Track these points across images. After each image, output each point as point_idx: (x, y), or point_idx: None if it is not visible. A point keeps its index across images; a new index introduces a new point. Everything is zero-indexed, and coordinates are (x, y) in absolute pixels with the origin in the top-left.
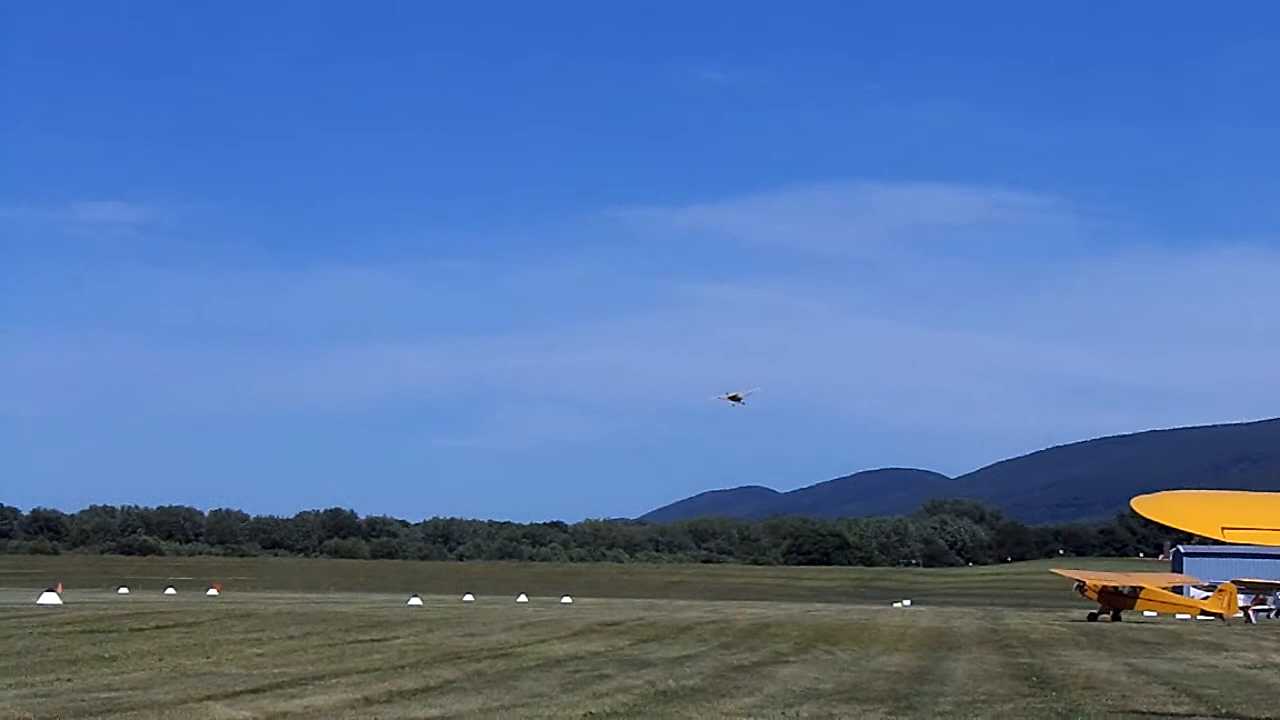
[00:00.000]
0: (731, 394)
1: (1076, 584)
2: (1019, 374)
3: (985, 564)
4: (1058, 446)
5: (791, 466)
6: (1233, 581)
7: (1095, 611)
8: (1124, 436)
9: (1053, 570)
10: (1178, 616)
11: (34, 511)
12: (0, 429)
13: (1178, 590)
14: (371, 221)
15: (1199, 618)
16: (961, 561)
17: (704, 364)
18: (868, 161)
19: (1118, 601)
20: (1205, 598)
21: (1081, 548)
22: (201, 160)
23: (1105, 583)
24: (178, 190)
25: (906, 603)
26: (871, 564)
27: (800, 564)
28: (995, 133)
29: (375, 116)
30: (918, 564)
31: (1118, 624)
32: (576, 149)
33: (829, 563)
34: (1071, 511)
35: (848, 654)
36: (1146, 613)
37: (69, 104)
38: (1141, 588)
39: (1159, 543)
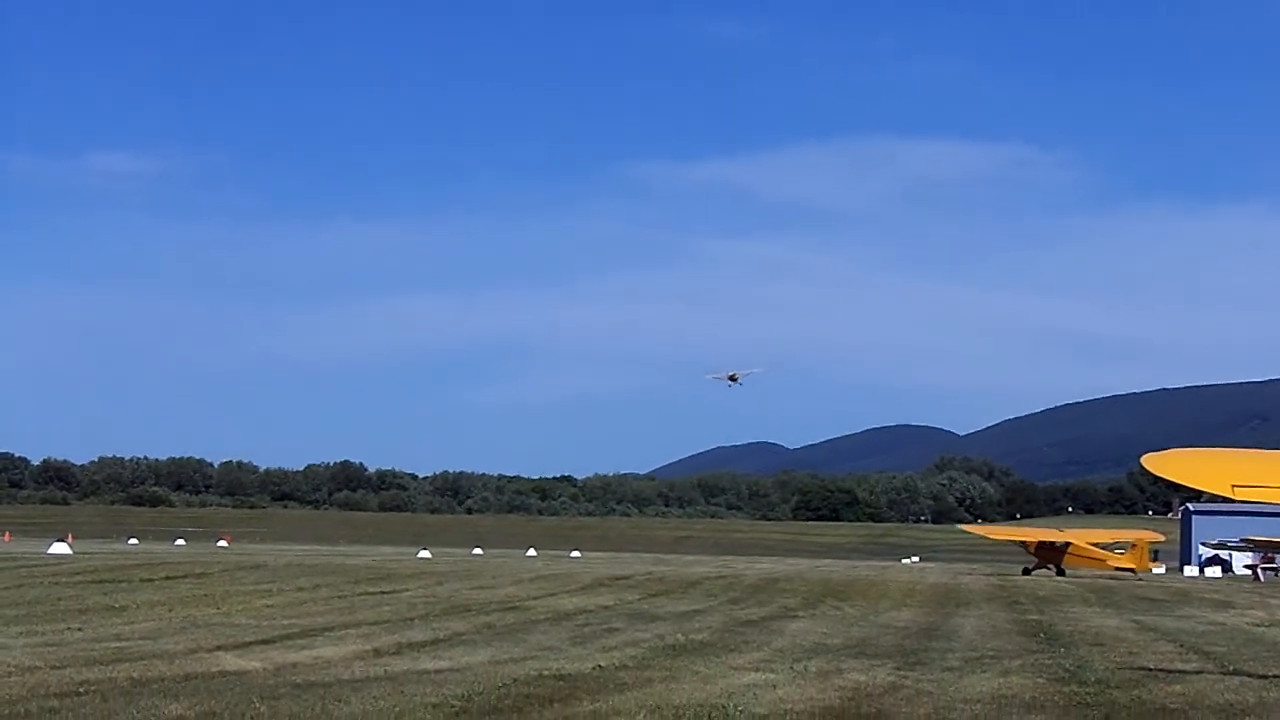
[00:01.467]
0: (730, 374)
1: (1021, 542)
2: (1029, 331)
3: (994, 521)
4: (1068, 404)
5: (801, 422)
6: (1243, 540)
7: (1031, 566)
8: (1134, 394)
9: (961, 528)
10: (1095, 573)
11: (44, 462)
12: (11, 379)
13: (1107, 547)
14: (384, 174)
15: (1114, 573)
16: (970, 519)
17: (715, 319)
18: (881, 117)
19: (1053, 556)
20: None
21: (1090, 505)
22: (213, 111)
23: (1041, 538)
24: (189, 141)
25: (915, 559)
26: (880, 520)
27: (809, 520)
28: (1009, 89)
29: (389, 69)
30: (926, 521)
31: (1121, 583)
32: (592, 103)
33: (838, 519)
34: (1081, 469)
35: (856, 610)
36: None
37: (80, 54)
38: (1070, 543)
39: (1168, 501)
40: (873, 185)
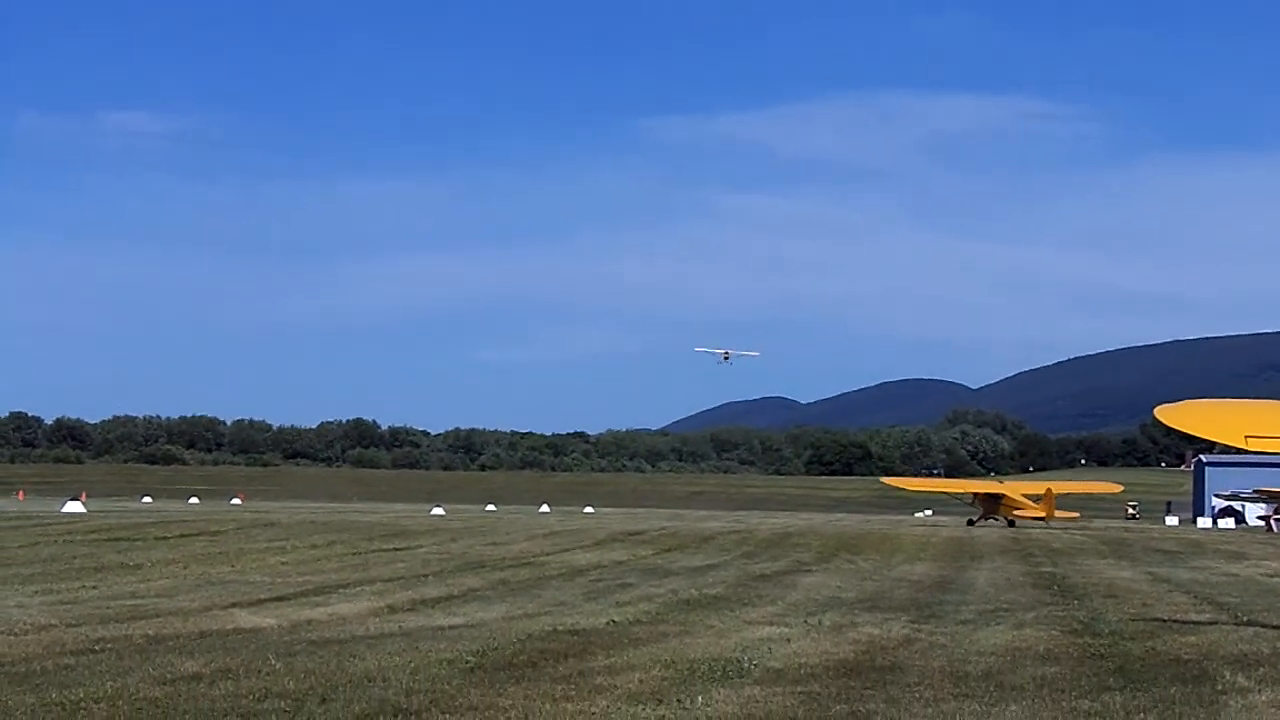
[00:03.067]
0: (724, 351)
1: (971, 494)
2: (1042, 284)
3: (1007, 474)
4: (1080, 356)
5: (813, 377)
6: (1256, 490)
7: (974, 517)
8: (1147, 346)
9: (882, 479)
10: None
11: (58, 420)
12: (24, 338)
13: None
14: (396, 133)
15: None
16: (983, 472)
17: (729, 274)
18: (897, 71)
19: (994, 507)
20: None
21: (1104, 458)
22: (230, 70)
23: (980, 489)
24: (202, 100)
25: (928, 513)
26: (893, 474)
27: (822, 474)
28: (1025, 42)
29: (406, 27)
30: (940, 474)
31: (1135, 535)
32: (604, 58)
33: (851, 473)
34: (1094, 421)
35: (870, 563)
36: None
37: (97, 12)
38: (1004, 495)
39: (1181, 452)
40: (888, 139)
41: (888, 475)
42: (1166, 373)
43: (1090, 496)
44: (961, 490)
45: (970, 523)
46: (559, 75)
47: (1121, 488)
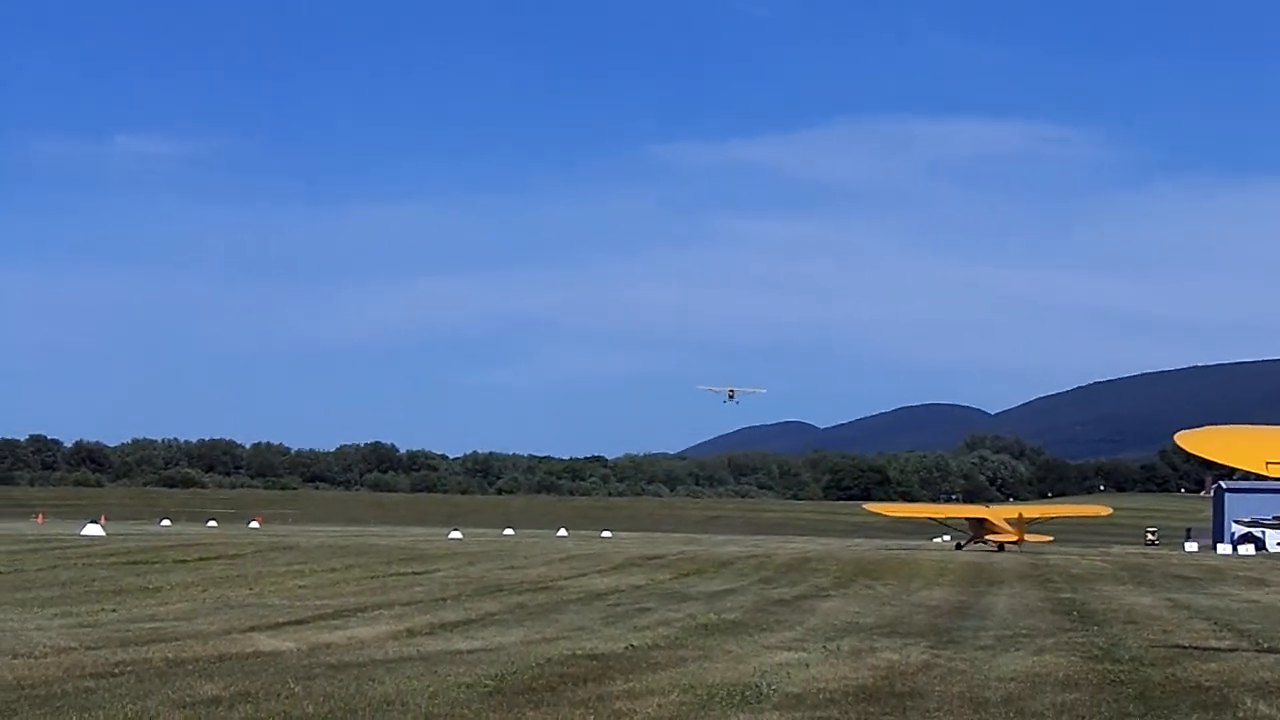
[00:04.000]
0: (729, 389)
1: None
2: (1060, 309)
3: (1026, 500)
4: (1099, 382)
5: (832, 402)
6: (1276, 517)
7: (962, 541)
8: (1166, 371)
9: (865, 506)
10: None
11: (77, 443)
12: (45, 362)
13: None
14: (411, 156)
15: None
16: (1002, 497)
17: (743, 299)
18: (908, 95)
19: (980, 531)
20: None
21: (1123, 483)
22: (240, 94)
23: (971, 515)
24: (217, 124)
25: (947, 538)
26: (912, 499)
27: (840, 499)
28: (1035, 66)
29: (413, 52)
30: (958, 500)
31: (1155, 561)
32: (614, 83)
33: (869, 498)
34: (1113, 447)
35: (888, 588)
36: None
37: (109, 37)
38: (986, 519)
39: (1201, 478)
40: (901, 164)
41: (906, 501)
42: (1186, 398)
43: (1107, 521)
44: (943, 515)
45: (959, 546)
46: (571, 100)
47: (1110, 511)
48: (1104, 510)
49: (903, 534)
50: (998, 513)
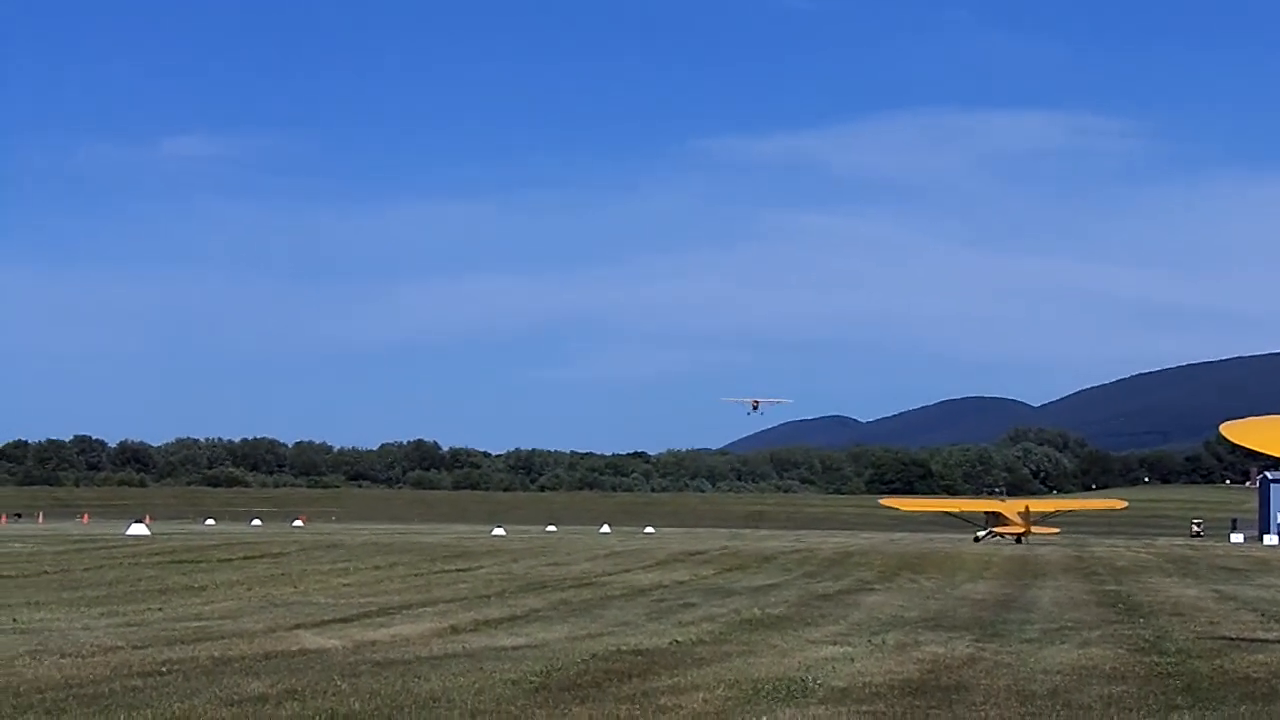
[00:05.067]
0: (754, 400)
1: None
2: (1103, 301)
3: (1069, 492)
4: (1142, 374)
5: (874, 396)
6: None
7: (980, 534)
8: (1211, 363)
9: (881, 501)
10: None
11: (122, 444)
12: (89, 362)
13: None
14: (451, 154)
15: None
16: (1045, 490)
17: (786, 294)
18: (953, 89)
19: (994, 523)
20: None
21: (1167, 475)
22: (284, 95)
23: (986, 508)
24: (261, 125)
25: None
26: (955, 493)
27: (883, 493)
28: (1082, 59)
29: (459, 49)
30: (1001, 493)
31: (1200, 552)
32: (658, 78)
33: (912, 492)
34: (1157, 439)
35: (932, 582)
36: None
37: (154, 40)
38: (1001, 513)
39: (1246, 469)
40: (944, 157)
41: (950, 495)
42: (1230, 389)
43: (1152, 513)
44: (958, 510)
45: (976, 539)
46: (616, 97)
47: (1126, 504)
48: (1119, 503)
49: (947, 528)
50: (1010, 506)
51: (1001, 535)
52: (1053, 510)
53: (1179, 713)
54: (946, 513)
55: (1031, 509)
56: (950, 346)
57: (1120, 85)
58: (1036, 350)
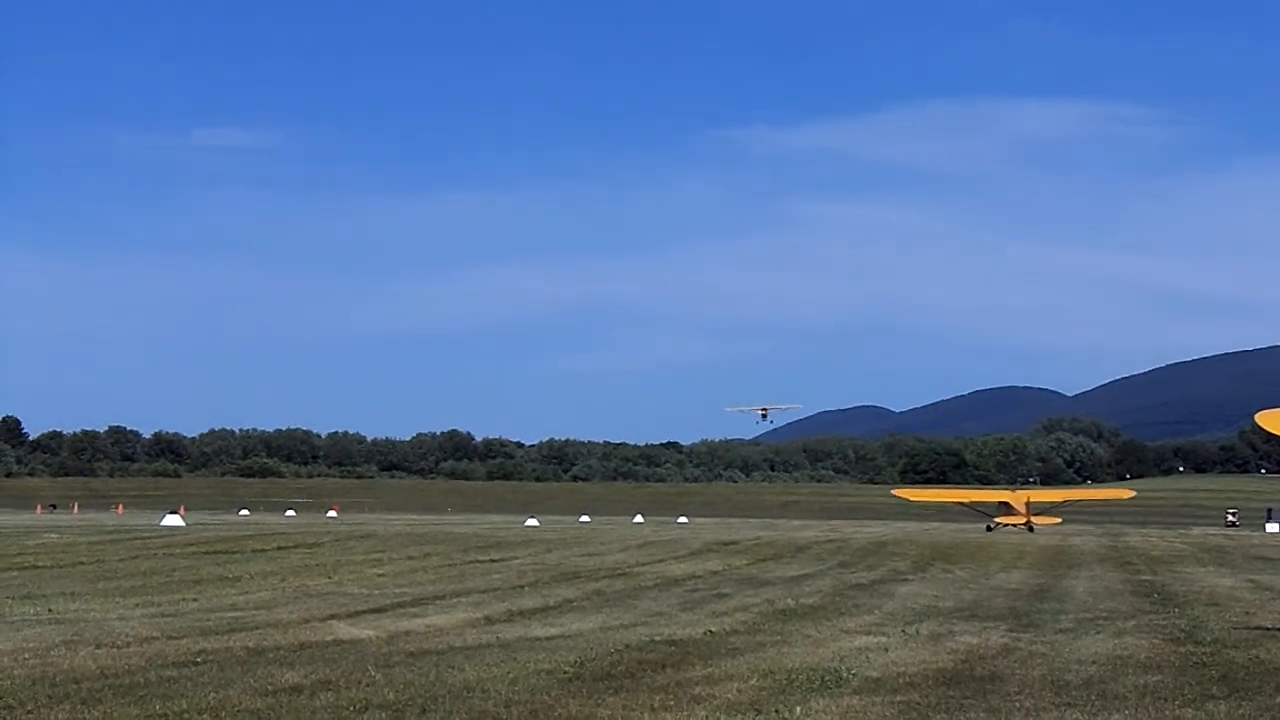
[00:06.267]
0: (762, 408)
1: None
2: (1137, 290)
3: (1103, 482)
4: (1177, 363)
5: (907, 385)
6: None
7: (991, 524)
8: (1246, 352)
9: (893, 492)
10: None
11: (156, 434)
12: (123, 353)
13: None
14: (483, 145)
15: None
16: (1080, 480)
17: (819, 283)
18: (984, 77)
19: (1003, 512)
20: None
21: (1202, 465)
22: (317, 85)
23: (997, 499)
24: (297, 115)
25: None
26: (989, 483)
27: (916, 483)
28: (1113, 47)
29: (491, 40)
30: (1035, 483)
31: (1235, 542)
32: (691, 68)
33: (945, 482)
34: (1192, 428)
35: (966, 572)
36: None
37: (189, 31)
38: (1009, 502)
39: None
40: (977, 146)
41: (983, 485)
42: (1266, 378)
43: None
44: (970, 500)
45: (989, 528)
46: (648, 87)
47: (1133, 494)
48: (1125, 494)
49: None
50: (1017, 497)
51: (1006, 525)
52: (1060, 500)
53: (1214, 703)
54: (962, 504)
55: (1033, 499)
56: (983, 336)
57: (1153, 73)
58: (1070, 339)
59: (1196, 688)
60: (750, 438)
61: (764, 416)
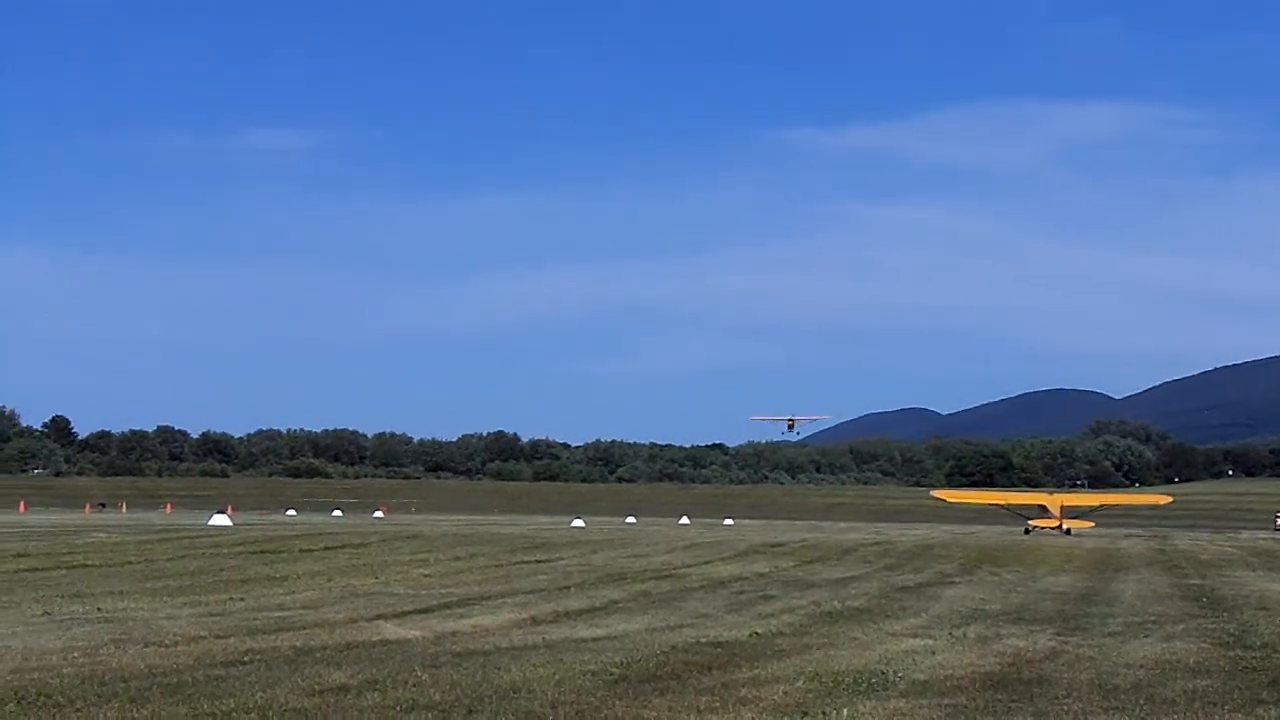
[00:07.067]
0: (789, 419)
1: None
2: (1186, 292)
3: (1152, 485)
4: (1226, 365)
5: (954, 388)
6: None
7: (1027, 527)
8: None
9: (932, 493)
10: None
11: (204, 434)
12: (171, 354)
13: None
14: (530, 147)
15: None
16: (1128, 483)
17: (864, 286)
18: (1031, 79)
19: (1041, 516)
20: None
21: (1252, 468)
22: (367, 85)
23: (1034, 502)
24: (344, 116)
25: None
26: (1036, 486)
27: (963, 486)
28: (1161, 49)
29: (537, 42)
30: (1084, 486)
31: (1277, 544)
32: (735, 71)
33: (993, 484)
34: (1241, 431)
35: (1013, 575)
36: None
37: (239, 32)
38: (1045, 505)
39: None
40: (1024, 148)
41: (1030, 486)
42: None
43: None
44: (1006, 502)
45: (1026, 531)
46: (690, 88)
47: (1171, 499)
48: (1163, 499)
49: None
50: (1054, 500)
51: (1041, 528)
52: (1097, 505)
53: (1264, 707)
54: (999, 506)
55: (1067, 504)
56: (1031, 338)
57: (1201, 74)
58: (1118, 342)
59: (1246, 692)
60: (797, 439)
61: (790, 427)
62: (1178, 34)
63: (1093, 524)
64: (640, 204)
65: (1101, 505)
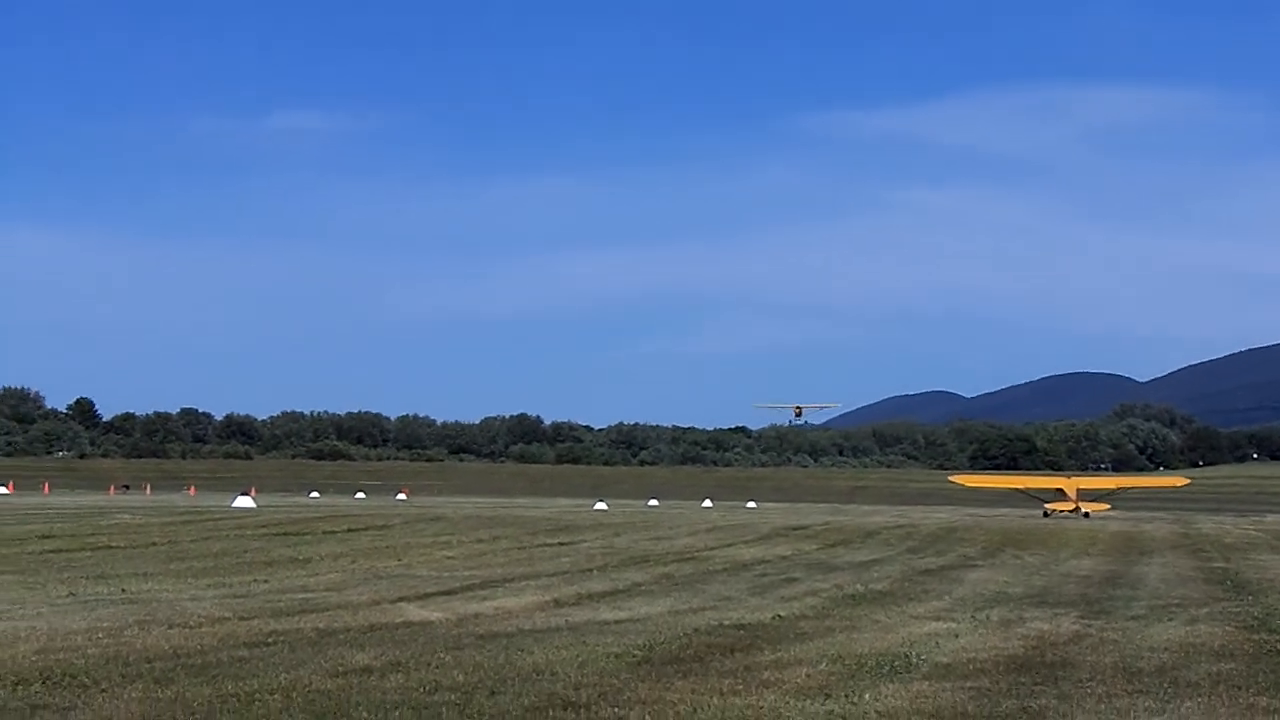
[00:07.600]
0: (796, 406)
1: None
2: (1211, 275)
3: (1177, 468)
4: (1252, 349)
5: (978, 371)
6: None
7: (1046, 510)
8: None
9: (950, 478)
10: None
11: (228, 417)
12: (196, 336)
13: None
14: (557, 130)
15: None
16: (1152, 466)
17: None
18: (1061, 62)
19: (1059, 499)
20: None
21: (1276, 452)
22: (393, 68)
23: (1051, 485)
24: (369, 99)
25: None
26: (1059, 469)
27: (987, 469)
28: (1191, 32)
29: (570, 25)
30: (1107, 469)
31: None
32: (768, 54)
33: (1016, 468)
34: (1266, 414)
35: (1036, 558)
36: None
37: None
38: (1063, 488)
39: None
40: (1053, 132)
41: (1054, 470)
42: None
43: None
44: (1024, 486)
45: (1045, 514)
46: (727, 71)
47: (1188, 480)
48: (1180, 480)
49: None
50: (1071, 484)
51: (1058, 511)
52: (1114, 487)
53: None
54: (1018, 490)
55: (1083, 487)
56: (1055, 321)
57: (1231, 58)
58: (1143, 325)
59: (1270, 676)
60: (819, 422)
61: (798, 415)
62: (1209, 16)
63: (1109, 506)
64: (669, 187)
65: (1118, 488)
